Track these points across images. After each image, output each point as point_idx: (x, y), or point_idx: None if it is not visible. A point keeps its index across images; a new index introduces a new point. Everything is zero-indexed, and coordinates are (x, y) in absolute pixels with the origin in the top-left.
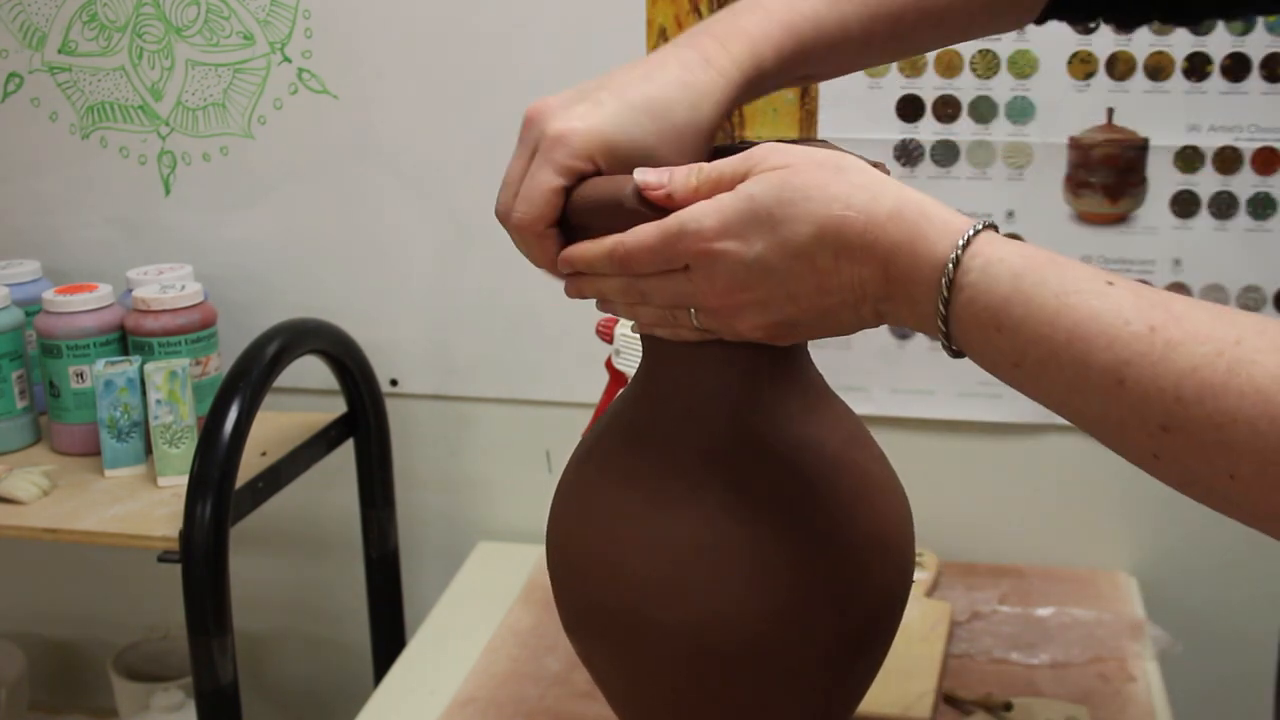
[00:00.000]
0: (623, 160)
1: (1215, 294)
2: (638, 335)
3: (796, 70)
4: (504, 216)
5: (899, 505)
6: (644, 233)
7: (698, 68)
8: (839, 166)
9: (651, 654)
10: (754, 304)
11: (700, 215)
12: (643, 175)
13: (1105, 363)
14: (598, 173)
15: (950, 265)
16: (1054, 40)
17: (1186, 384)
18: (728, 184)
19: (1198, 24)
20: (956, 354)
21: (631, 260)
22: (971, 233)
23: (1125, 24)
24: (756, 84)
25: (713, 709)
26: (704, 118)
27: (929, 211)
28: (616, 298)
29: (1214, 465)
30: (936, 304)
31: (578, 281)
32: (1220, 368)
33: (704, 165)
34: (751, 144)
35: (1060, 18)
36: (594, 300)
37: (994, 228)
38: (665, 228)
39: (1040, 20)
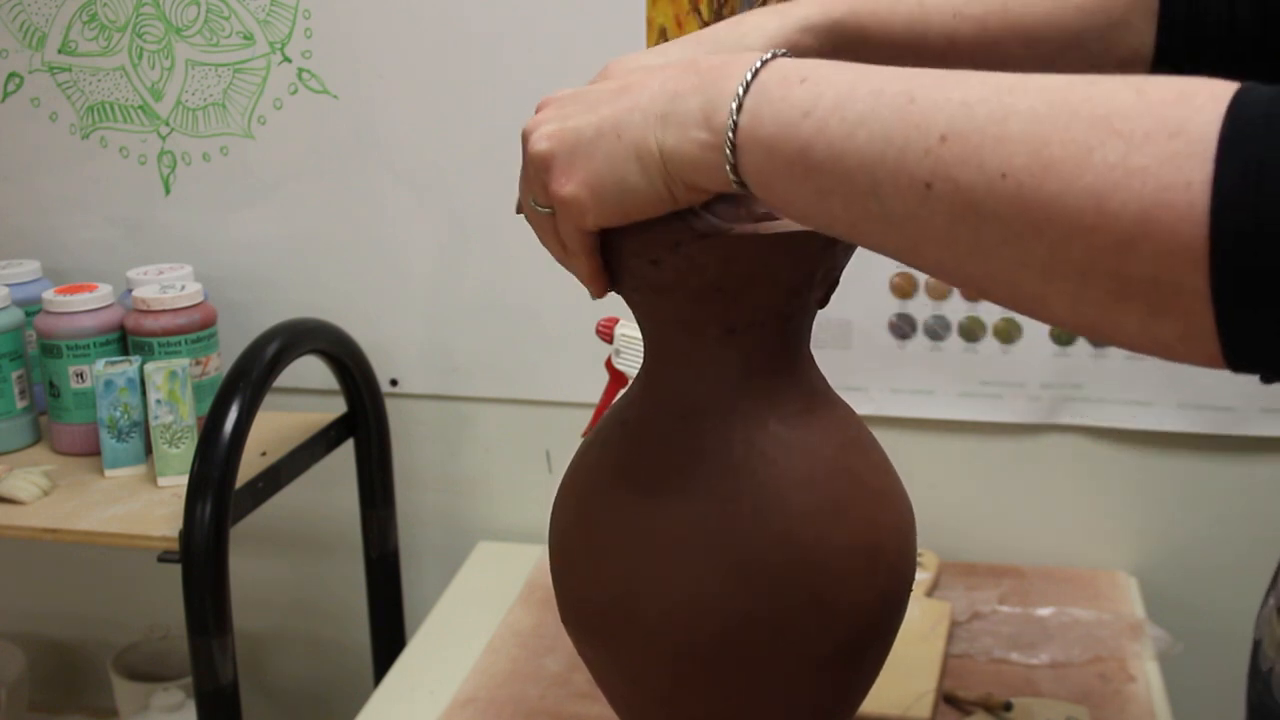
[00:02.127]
0: None
1: None
2: (638, 335)
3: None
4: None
5: (897, 513)
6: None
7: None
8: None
9: (640, 650)
10: (549, 117)
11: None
12: None
13: (900, 90)
14: None
15: (743, 84)
16: None
17: (972, 87)
18: None
19: None
20: (736, 172)
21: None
22: (761, 62)
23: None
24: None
25: (701, 708)
26: None
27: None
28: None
29: (985, 170)
30: (732, 89)
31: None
32: (1008, 79)
33: None
34: None
35: (1171, 69)
36: (594, 300)
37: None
38: None
39: (1153, 69)
